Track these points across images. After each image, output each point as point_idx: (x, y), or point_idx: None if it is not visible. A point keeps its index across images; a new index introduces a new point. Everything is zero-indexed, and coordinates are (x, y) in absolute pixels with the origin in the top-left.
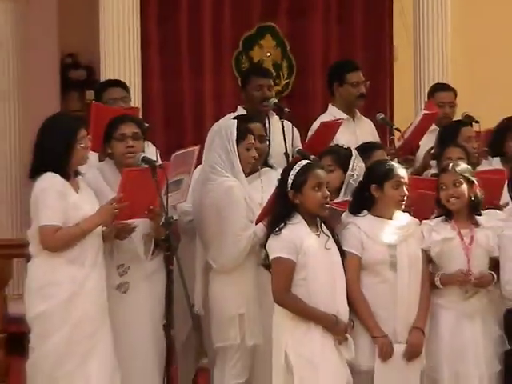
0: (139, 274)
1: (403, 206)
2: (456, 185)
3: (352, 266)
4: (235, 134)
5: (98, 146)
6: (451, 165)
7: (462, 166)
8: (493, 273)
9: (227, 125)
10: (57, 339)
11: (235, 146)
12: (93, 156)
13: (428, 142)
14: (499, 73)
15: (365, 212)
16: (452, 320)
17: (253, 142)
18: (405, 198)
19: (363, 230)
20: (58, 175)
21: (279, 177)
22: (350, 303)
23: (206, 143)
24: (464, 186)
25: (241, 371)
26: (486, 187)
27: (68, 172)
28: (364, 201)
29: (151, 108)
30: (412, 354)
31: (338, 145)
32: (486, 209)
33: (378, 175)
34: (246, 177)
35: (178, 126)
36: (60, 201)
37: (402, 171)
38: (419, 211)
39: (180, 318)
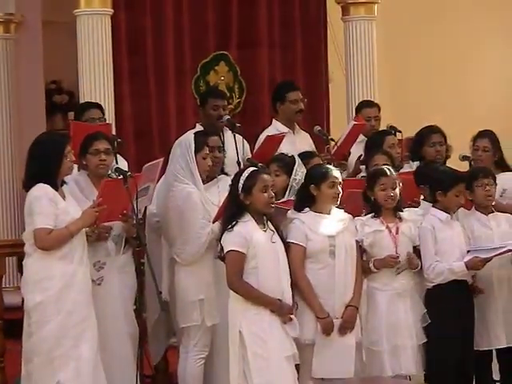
0: (112, 267)
1: (338, 203)
2: (393, 187)
3: (297, 255)
4: (193, 146)
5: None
6: (388, 171)
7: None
8: (418, 260)
9: (187, 138)
10: (53, 325)
11: (193, 157)
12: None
13: (358, 150)
14: (417, 89)
15: (307, 209)
16: (387, 299)
17: (208, 152)
18: (339, 196)
19: (306, 224)
20: (48, 185)
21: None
22: (296, 287)
23: (170, 155)
24: (398, 188)
25: (202, 347)
26: (405, 187)
27: (56, 182)
28: (306, 199)
29: (123, 126)
30: (346, 328)
31: (283, 153)
32: (408, 206)
33: (315, 177)
34: (206, 183)
35: (147, 140)
36: (51, 207)
37: (336, 173)
38: (350, 208)
39: (151, 303)
